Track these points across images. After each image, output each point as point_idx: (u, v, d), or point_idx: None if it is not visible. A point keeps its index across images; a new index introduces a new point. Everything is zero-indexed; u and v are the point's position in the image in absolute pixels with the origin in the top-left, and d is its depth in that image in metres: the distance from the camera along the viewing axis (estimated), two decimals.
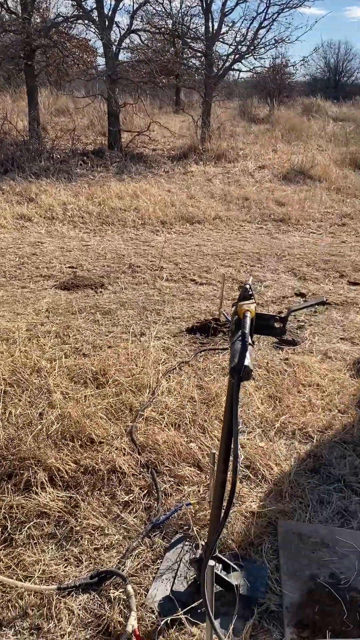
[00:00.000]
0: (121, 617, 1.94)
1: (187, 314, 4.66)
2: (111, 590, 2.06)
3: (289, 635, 1.90)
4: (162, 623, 1.90)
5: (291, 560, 2.20)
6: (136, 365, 3.55)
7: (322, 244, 6.88)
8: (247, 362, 1.51)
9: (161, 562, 2.19)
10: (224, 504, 1.95)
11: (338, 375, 3.57)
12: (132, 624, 1.88)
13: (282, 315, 1.73)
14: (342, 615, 1.98)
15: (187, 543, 2.29)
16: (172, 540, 2.29)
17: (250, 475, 2.66)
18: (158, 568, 2.17)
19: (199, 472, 2.67)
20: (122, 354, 3.70)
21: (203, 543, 2.16)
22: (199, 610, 1.98)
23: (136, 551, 2.23)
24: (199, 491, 2.54)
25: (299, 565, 2.18)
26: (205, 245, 6.71)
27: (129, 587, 2.03)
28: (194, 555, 2.18)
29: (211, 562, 1.68)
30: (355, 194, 9.43)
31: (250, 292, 1.68)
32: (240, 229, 7.54)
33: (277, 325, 1.73)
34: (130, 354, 3.71)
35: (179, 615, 1.93)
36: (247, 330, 1.54)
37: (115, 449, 2.73)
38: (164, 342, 4.04)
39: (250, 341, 1.61)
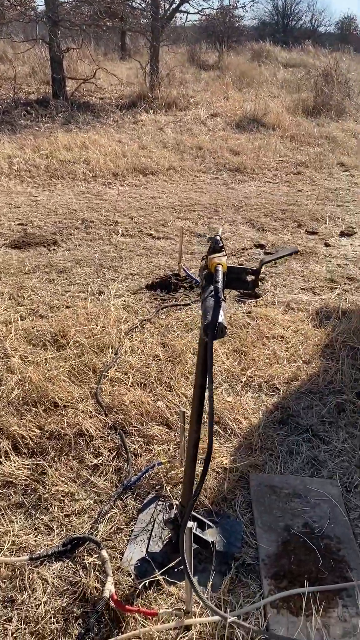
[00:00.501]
0: (97, 582, 1.89)
1: (146, 269, 4.54)
2: (85, 557, 2.01)
3: (267, 587, 1.91)
4: (140, 586, 1.87)
5: (265, 512, 2.20)
6: (97, 325, 3.43)
7: (278, 194, 6.80)
8: (221, 319, 1.43)
9: (135, 524, 2.15)
10: (198, 463, 1.90)
11: (301, 326, 3.56)
12: (110, 588, 1.85)
13: (255, 268, 1.64)
14: (317, 563, 2.00)
15: (160, 503, 2.25)
16: (145, 501, 2.25)
17: (220, 430, 2.63)
18: (132, 530, 2.13)
19: (168, 430, 2.62)
20: (81, 314, 3.57)
21: (177, 502, 2.13)
22: (175, 570, 1.96)
23: (108, 515, 2.18)
24: (169, 449, 2.50)
25: (272, 517, 2.19)
26: (160, 198, 6.51)
27: (104, 552, 1.99)
28: (168, 515, 2.14)
29: (190, 524, 1.64)
30: (309, 142, 9.31)
31: (221, 244, 1.58)
32: (195, 180, 7.35)
33: (248, 278, 1.65)
34: (89, 314, 3.58)
35: (156, 577, 1.90)
36: (219, 286, 1.45)
37: (81, 412, 2.64)
38: (124, 300, 3.92)
39: (222, 297, 1.52)
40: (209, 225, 5.59)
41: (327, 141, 9.40)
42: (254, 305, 3.90)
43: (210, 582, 1.91)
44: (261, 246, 5.14)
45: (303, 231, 5.57)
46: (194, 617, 1.78)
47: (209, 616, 1.79)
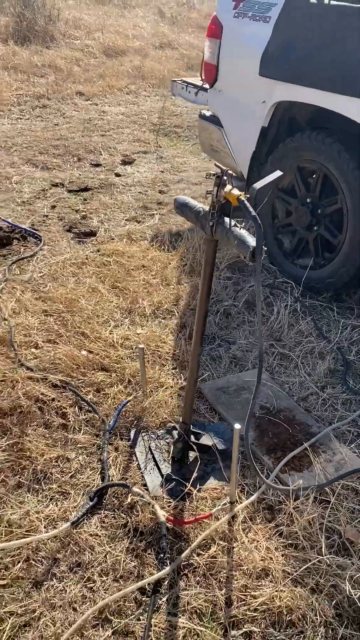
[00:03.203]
0: (143, 516, 2.03)
1: None
2: (114, 501, 2.10)
3: (268, 461, 2.31)
4: (175, 501, 2.08)
5: (228, 409, 2.56)
6: None
7: (38, 129, 6.61)
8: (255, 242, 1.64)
9: (136, 458, 2.29)
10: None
11: (154, 253, 3.84)
12: (162, 513, 2.01)
13: (249, 196, 1.85)
14: (288, 431, 2.47)
15: (144, 434, 2.41)
16: (132, 437, 2.39)
17: (155, 358, 2.83)
18: (137, 464, 2.27)
19: (108, 374, 2.71)
20: None
21: (173, 424, 2.33)
22: (193, 478, 2.20)
23: (110, 460, 2.26)
24: (124, 388, 2.61)
25: (236, 411, 2.56)
26: None
27: (135, 489, 2.11)
28: (171, 439, 2.34)
29: (237, 426, 1.90)
30: (35, 72, 9.01)
31: (225, 179, 1.75)
32: None
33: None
34: None
35: (189, 489, 2.13)
36: (254, 213, 1.64)
37: (19, 383, 2.53)
38: None
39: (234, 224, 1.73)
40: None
41: (53, 70, 9.24)
42: (97, 243, 3.99)
43: (227, 474, 2.22)
44: (60, 185, 5.10)
45: (87, 164, 5.66)
46: (237, 504, 2.09)
47: (247, 498, 2.12)
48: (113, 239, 4.09)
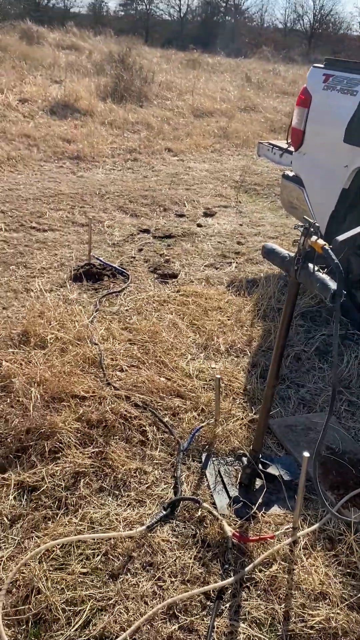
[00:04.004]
0: (211, 529, 2.20)
1: (56, 262, 4.59)
2: (185, 514, 2.29)
3: (331, 496, 2.44)
4: (242, 520, 2.25)
5: (295, 446, 2.72)
6: (56, 320, 3.48)
7: (129, 180, 7.17)
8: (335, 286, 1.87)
9: (206, 479, 2.48)
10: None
11: (229, 297, 4.10)
12: (229, 529, 2.18)
13: (332, 246, 2.09)
14: (352, 471, 2.60)
15: (214, 458, 2.61)
16: (203, 460, 2.59)
17: (228, 392, 3.05)
18: (207, 485, 2.46)
19: (183, 400, 2.94)
20: (34, 310, 3.57)
21: (243, 451, 2.52)
22: (257, 504, 2.36)
23: (183, 477, 2.47)
24: (198, 415, 2.84)
25: (302, 448, 2.71)
26: (19, 190, 6.38)
27: (205, 504, 2.29)
28: (240, 465, 2.53)
29: (306, 454, 2.07)
30: (128, 128, 9.78)
31: (312, 229, 1.99)
32: (41, 170, 7.29)
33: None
34: (38, 310, 3.59)
35: (254, 512, 2.29)
36: (337, 260, 1.88)
37: (106, 400, 2.80)
38: (58, 294, 3.99)
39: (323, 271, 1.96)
40: (87, 215, 5.73)
41: (145, 127, 9.98)
42: (178, 285, 4.31)
43: (290, 504, 2.36)
44: (146, 231, 5.52)
45: (172, 214, 6.09)
46: (300, 530, 2.23)
47: (309, 527, 2.25)
48: (193, 281, 4.40)
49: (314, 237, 1.98)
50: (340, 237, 2.05)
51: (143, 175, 7.49)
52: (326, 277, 1.93)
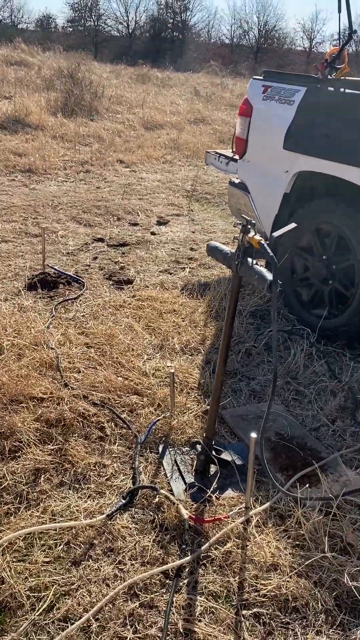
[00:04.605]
0: (168, 514, 2.32)
1: (10, 272, 4.64)
2: (144, 502, 2.40)
3: (280, 477, 2.59)
4: (198, 504, 2.37)
5: (246, 433, 2.86)
6: (11, 327, 3.55)
7: (82, 191, 7.27)
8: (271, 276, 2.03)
9: (163, 469, 2.60)
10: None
11: (183, 300, 4.25)
12: (185, 512, 2.30)
13: (268, 242, 2.25)
14: (300, 455, 2.76)
15: (170, 449, 2.73)
16: (160, 451, 2.70)
17: (183, 387, 3.18)
18: (164, 474, 2.57)
19: (140, 397, 3.05)
20: None
21: (197, 440, 2.65)
22: (213, 488, 2.49)
23: (140, 468, 2.58)
24: (154, 410, 2.95)
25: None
26: None
27: (163, 491, 2.41)
28: (195, 453, 2.65)
29: (253, 435, 2.22)
30: (80, 141, 9.88)
31: (249, 227, 2.15)
32: None
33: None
34: None
35: (209, 495, 2.42)
36: (272, 253, 2.04)
37: (63, 400, 2.89)
38: (14, 303, 4.05)
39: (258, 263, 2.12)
40: (40, 225, 5.80)
41: (96, 140, 10.11)
42: (134, 290, 4.43)
43: (243, 487, 2.50)
44: (101, 240, 5.63)
45: (126, 223, 6.22)
46: (252, 509, 2.37)
47: (261, 506, 2.39)
48: (148, 286, 4.53)
49: (251, 233, 2.14)
50: (276, 233, 2.22)
51: (96, 187, 7.60)
52: (263, 270, 2.09)
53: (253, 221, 2.15)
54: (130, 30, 44.01)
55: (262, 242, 2.09)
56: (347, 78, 3.99)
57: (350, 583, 2.04)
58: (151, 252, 5.36)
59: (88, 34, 43.33)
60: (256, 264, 2.14)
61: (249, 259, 2.17)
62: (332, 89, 3.77)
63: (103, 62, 26.21)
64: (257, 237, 2.12)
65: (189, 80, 21.61)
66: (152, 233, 5.95)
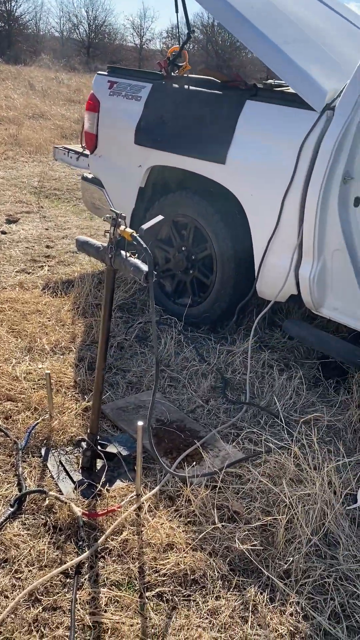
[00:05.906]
0: (61, 514, 2.29)
1: None
2: (33, 507, 2.34)
3: (164, 461, 2.69)
4: (89, 498, 2.38)
5: (129, 424, 2.92)
6: None
7: None
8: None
9: (49, 471, 2.55)
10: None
11: (46, 299, 4.16)
12: (77, 509, 2.29)
13: (139, 234, 2.30)
14: (181, 437, 2.88)
15: (53, 450, 2.68)
16: (43, 454, 2.65)
17: (59, 387, 3.12)
18: (51, 475, 2.53)
19: (15, 402, 2.95)
20: None
21: (81, 437, 2.63)
22: (102, 481, 2.51)
23: (25, 474, 2.50)
24: (32, 414, 2.87)
25: (135, 425, 2.92)
26: None
27: (52, 492, 2.37)
28: (80, 451, 2.63)
29: (140, 423, 2.28)
30: None
31: (120, 220, 2.19)
32: None
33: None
34: None
35: (99, 489, 2.43)
36: (145, 245, 2.10)
37: None
38: None
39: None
40: None
41: None
42: None
43: (131, 476, 2.56)
44: None
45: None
46: (143, 495, 2.43)
47: (150, 491, 2.47)
48: (5, 288, 4.35)
49: (122, 227, 2.18)
50: (145, 226, 2.28)
51: None
52: (138, 261, 2.14)
53: (124, 214, 2.19)
54: None
55: (135, 234, 2.14)
56: (189, 75, 4.17)
57: (241, 547, 2.20)
58: (4, 252, 5.14)
59: None
60: (130, 256, 2.19)
61: (122, 252, 2.20)
62: (177, 85, 3.93)
63: None
64: (129, 230, 2.16)
65: (21, 73, 20.80)
66: (3, 232, 5.70)
